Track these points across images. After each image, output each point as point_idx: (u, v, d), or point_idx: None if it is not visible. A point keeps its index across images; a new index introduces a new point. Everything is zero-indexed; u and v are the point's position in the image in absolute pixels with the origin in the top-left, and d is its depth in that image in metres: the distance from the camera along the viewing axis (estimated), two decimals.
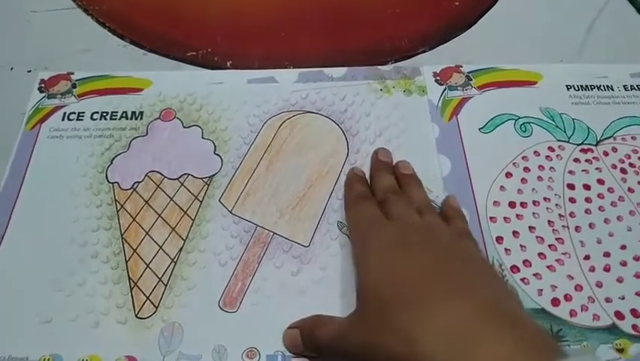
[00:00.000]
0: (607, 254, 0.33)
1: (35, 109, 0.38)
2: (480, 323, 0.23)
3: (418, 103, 0.39)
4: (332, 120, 0.38)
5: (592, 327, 0.31)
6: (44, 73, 0.40)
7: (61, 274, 0.32)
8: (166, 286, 0.32)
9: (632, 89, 0.40)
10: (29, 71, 0.40)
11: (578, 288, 0.32)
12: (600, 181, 0.36)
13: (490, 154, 0.37)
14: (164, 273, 0.32)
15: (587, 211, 0.35)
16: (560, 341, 0.30)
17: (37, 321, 0.30)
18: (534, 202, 0.35)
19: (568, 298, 0.31)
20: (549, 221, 0.34)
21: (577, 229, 0.34)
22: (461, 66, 0.41)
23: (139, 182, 0.35)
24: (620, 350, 0.30)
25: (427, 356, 0.23)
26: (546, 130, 0.38)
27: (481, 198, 0.35)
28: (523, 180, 0.36)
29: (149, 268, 0.32)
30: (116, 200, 0.34)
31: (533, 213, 0.34)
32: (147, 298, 0.31)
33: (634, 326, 0.31)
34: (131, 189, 0.35)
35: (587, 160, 0.37)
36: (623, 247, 0.33)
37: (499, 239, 0.33)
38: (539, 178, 0.36)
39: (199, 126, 0.38)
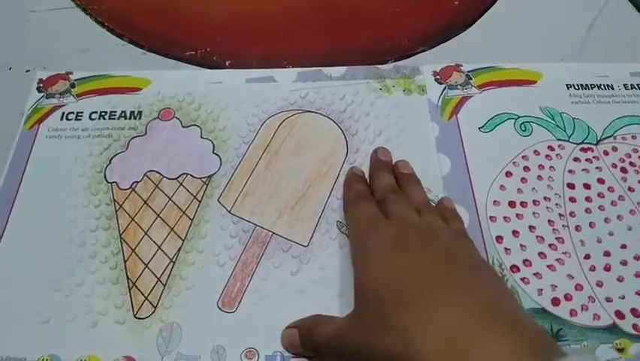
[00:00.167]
0: (607, 253, 0.33)
1: (34, 109, 0.38)
2: (479, 323, 0.23)
3: (418, 102, 0.39)
4: (331, 120, 0.38)
5: (592, 327, 0.30)
6: (43, 73, 0.40)
7: (59, 274, 0.32)
8: (165, 286, 0.31)
9: (632, 88, 0.40)
10: (28, 71, 0.40)
11: (578, 287, 0.32)
12: (600, 180, 0.36)
13: (490, 153, 0.37)
14: (162, 273, 0.32)
15: (587, 210, 0.34)
16: (560, 341, 0.30)
17: (35, 321, 0.30)
18: (534, 202, 0.35)
19: (568, 297, 0.31)
20: (549, 220, 0.34)
21: (577, 228, 0.34)
22: (461, 65, 0.41)
23: (137, 182, 0.35)
24: (621, 350, 0.30)
25: (425, 355, 0.23)
26: (546, 129, 0.38)
27: (480, 197, 0.35)
28: (523, 180, 0.36)
29: (148, 268, 0.32)
30: (114, 200, 0.34)
31: (533, 213, 0.34)
32: (146, 298, 0.31)
33: (634, 326, 0.30)
34: (130, 189, 0.35)
35: (587, 159, 0.37)
36: (624, 247, 0.33)
37: (499, 238, 0.33)
38: (539, 177, 0.36)
39: (198, 126, 0.38)
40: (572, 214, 0.34)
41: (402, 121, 0.38)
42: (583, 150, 0.37)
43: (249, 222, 0.34)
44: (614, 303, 0.31)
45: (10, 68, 0.41)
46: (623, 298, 0.31)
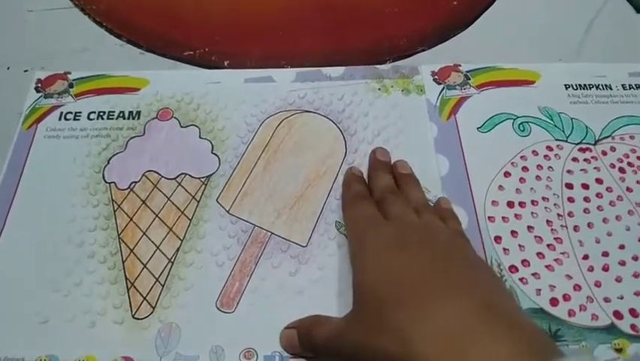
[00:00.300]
0: (605, 254, 0.33)
1: (32, 109, 0.38)
2: (477, 323, 0.23)
3: (416, 102, 0.39)
4: (330, 120, 0.38)
5: (590, 327, 0.30)
6: (41, 72, 0.40)
7: (58, 274, 0.32)
8: (163, 286, 0.31)
9: (630, 89, 0.40)
10: (26, 71, 0.40)
11: (577, 288, 0.32)
12: (599, 180, 0.36)
13: (489, 154, 0.37)
14: (161, 273, 0.32)
15: (586, 211, 0.34)
16: (558, 341, 0.30)
17: (33, 321, 0.30)
18: (532, 202, 0.35)
19: (566, 297, 0.31)
20: (547, 221, 0.34)
21: (575, 228, 0.34)
22: (459, 65, 0.41)
23: (136, 182, 0.35)
24: (619, 350, 0.30)
25: (423, 355, 0.23)
26: (544, 129, 0.38)
27: (479, 197, 0.35)
28: (522, 180, 0.36)
29: (146, 268, 0.32)
30: (113, 200, 0.34)
31: (532, 213, 0.34)
32: (144, 298, 0.31)
33: (632, 326, 0.30)
34: (128, 189, 0.35)
35: (585, 159, 0.37)
36: (622, 247, 0.33)
37: (498, 239, 0.33)
38: (538, 178, 0.36)
39: (196, 126, 0.38)
40: (570, 214, 0.34)
41: (400, 121, 0.38)
42: (581, 150, 0.37)
43: (247, 222, 0.34)
44: (612, 303, 0.31)
45: (8, 68, 0.41)
46: (622, 298, 0.31)
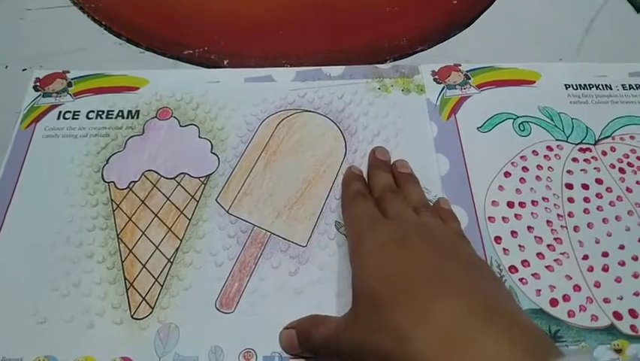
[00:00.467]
0: (605, 254, 0.33)
1: (30, 108, 0.38)
2: (476, 323, 0.23)
3: (417, 102, 0.39)
4: (330, 119, 0.38)
5: (590, 327, 0.30)
6: (39, 71, 0.40)
7: (56, 274, 0.31)
8: (162, 286, 0.31)
9: (630, 89, 0.40)
10: (24, 70, 0.40)
11: (577, 288, 0.32)
12: (598, 181, 0.36)
13: (489, 153, 0.37)
14: (160, 273, 0.32)
15: (586, 211, 0.34)
16: (558, 342, 0.30)
17: (32, 322, 0.30)
18: (532, 202, 0.35)
19: (566, 298, 0.31)
20: (547, 221, 0.34)
21: (575, 228, 0.34)
22: (460, 65, 0.41)
23: (135, 181, 0.35)
24: (618, 351, 0.30)
25: (420, 354, 0.23)
26: (544, 129, 0.38)
27: (479, 197, 0.35)
28: (522, 180, 0.36)
29: (145, 268, 0.32)
30: (111, 200, 0.34)
31: (532, 213, 0.34)
32: (143, 298, 0.31)
33: (632, 327, 0.30)
34: (127, 189, 0.35)
35: (585, 160, 0.37)
36: (622, 247, 0.33)
37: (498, 239, 0.33)
38: (538, 178, 0.36)
39: (196, 125, 0.38)
40: (570, 215, 0.34)
41: (400, 121, 0.38)
42: (581, 150, 0.37)
43: (247, 222, 0.34)
44: (612, 304, 0.31)
45: (6, 67, 0.41)
46: (621, 299, 0.31)
